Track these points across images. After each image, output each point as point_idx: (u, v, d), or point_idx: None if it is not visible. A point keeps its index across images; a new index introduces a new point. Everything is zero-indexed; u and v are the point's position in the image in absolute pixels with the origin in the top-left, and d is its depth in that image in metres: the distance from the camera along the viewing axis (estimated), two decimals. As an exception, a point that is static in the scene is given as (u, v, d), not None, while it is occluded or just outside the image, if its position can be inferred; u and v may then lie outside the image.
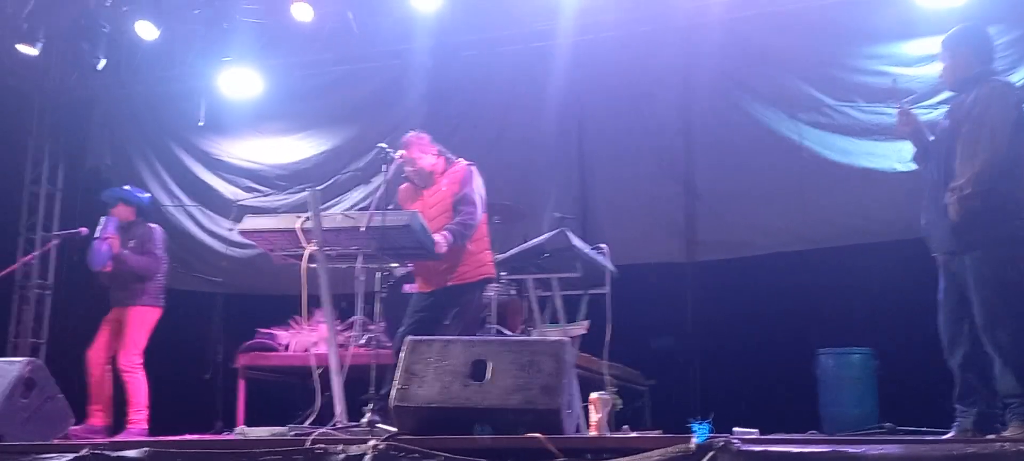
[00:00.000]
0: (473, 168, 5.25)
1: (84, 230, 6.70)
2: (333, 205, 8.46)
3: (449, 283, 5.09)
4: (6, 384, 4.53)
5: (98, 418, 6.43)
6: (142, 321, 6.50)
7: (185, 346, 7.94)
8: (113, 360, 6.49)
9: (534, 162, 8.41)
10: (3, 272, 6.94)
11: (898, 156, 7.07)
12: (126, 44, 9.05)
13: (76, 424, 5.38)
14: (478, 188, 5.17)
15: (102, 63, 8.49)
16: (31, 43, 8.61)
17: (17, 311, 9.70)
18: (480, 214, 5.14)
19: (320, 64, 9.04)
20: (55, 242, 7.79)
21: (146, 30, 8.41)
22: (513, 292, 6.80)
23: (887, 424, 6.10)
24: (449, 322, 5.04)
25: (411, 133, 5.31)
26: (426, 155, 5.23)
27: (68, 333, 9.28)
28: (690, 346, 7.79)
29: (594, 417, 4.25)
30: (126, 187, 6.87)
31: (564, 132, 8.36)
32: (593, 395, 4.29)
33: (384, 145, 4.98)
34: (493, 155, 8.08)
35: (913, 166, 4.82)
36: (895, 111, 4.70)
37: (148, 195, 6.92)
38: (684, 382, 7.65)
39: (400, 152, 5.10)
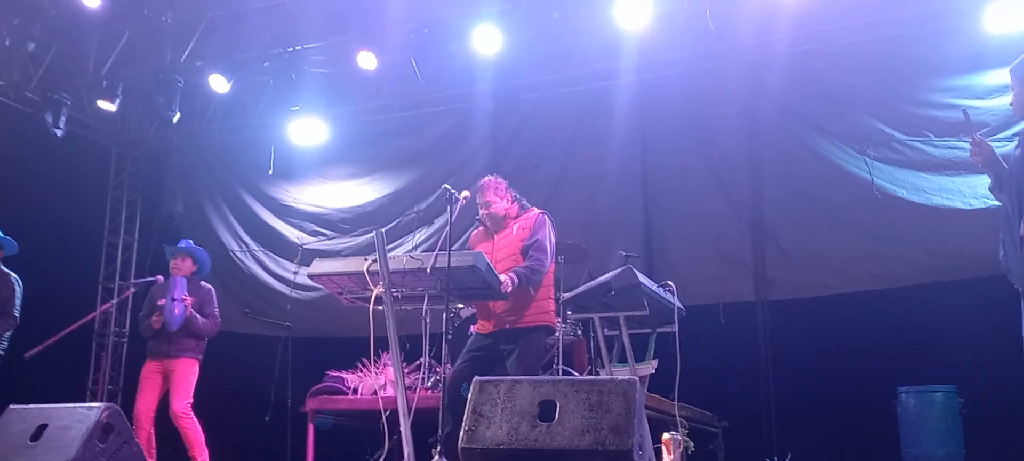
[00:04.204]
0: (546, 216, 5.24)
1: (161, 278, 6.82)
2: (396, 246, 8.57)
3: (506, 325, 5.06)
4: (85, 429, 4.61)
5: None
6: (192, 372, 6.58)
7: (253, 390, 8.04)
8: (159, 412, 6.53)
9: (598, 201, 8.39)
10: (82, 320, 7.08)
11: (972, 192, 6.89)
12: (200, 97, 9.40)
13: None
14: (549, 236, 5.15)
15: (177, 116, 8.75)
16: (110, 99, 8.95)
17: (95, 358, 9.99)
18: (549, 262, 5.11)
19: (384, 110, 9.22)
20: (133, 290, 7.96)
21: (219, 83, 8.67)
22: (579, 332, 6.74)
23: (975, 465, 5.84)
24: (509, 364, 4.99)
25: (487, 177, 5.33)
26: (501, 200, 5.24)
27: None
28: (763, 386, 7.59)
29: (666, 458, 4.16)
30: (189, 242, 6.94)
31: (627, 170, 8.34)
32: (665, 436, 4.20)
33: (448, 186, 4.99)
34: (556, 195, 8.12)
35: (987, 203, 4.65)
36: (968, 144, 4.53)
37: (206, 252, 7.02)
38: (758, 424, 7.46)
39: (464, 193, 5.11)
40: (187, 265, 6.71)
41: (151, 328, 6.55)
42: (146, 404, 6.48)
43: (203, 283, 6.83)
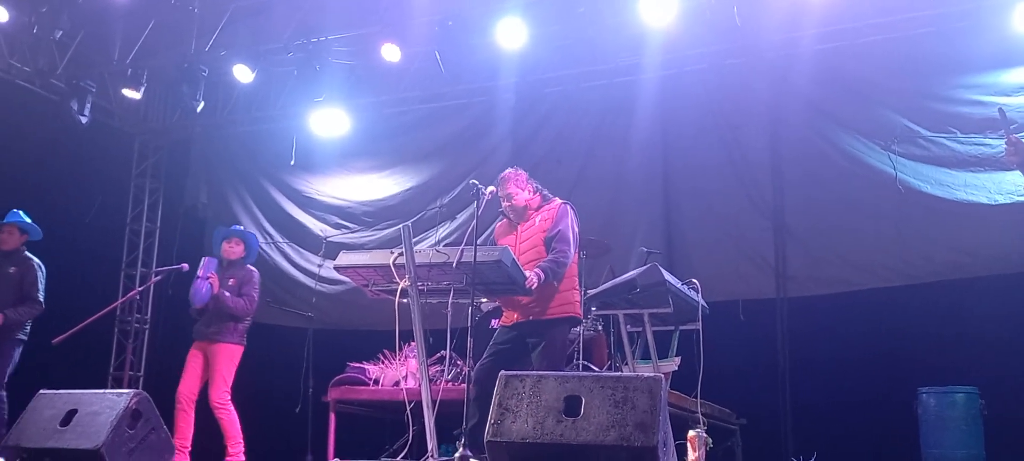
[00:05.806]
0: (568, 206, 5.24)
1: (185, 266, 6.87)
2: (419, 241, 8.55)
3: (531, 318, 5.07)
4: (114, 415, 4.67)
5: (183, 457, 6.52)
6: (230, 358, 6.61)
7: (276, 380, 8.10)
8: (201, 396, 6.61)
9: (619, 197, 8.38)
10: (111, 306, 7.15)
11: (997, 187, 6.85)
12: (223, 86, 9.44)
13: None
14: (572, 226, 5.15)
15: (201, 105, 8.79)
16: (135, 87, 9.01)
17: (116, 345, 10.08)
18: (572, 253, 5.12)
19: (407, 102, 9.24)
20: (157, 278, 8.01)
21: (242, 73, 8.69)
22: (599, 327, 6.75)
23: (995, 468, 5.82)
24: (534, 357, 5.01)
25: (508, 170, 5.34)
26: (522, 191, 5.26)
27: (165, 367, 9.58)
28: (782, 383, 7.58)
29: (691, 456, 4.17)
30: (239, 227, 7.00)
31: (649, 167, 8.32)
32: (690, 433, 4.21)
33: (475, 181, 5.01)
34: (578, 190, 8.11)
35: (1012, 198, 4.62)
36: (996, 141, 4.52)
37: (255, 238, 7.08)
38: (776, 421, 7.46)
39: (490, 188, 5.13)
40: (239, 249, 6.78)
41: (196, 310, 6.63)
42: (188, 386, 6.55)
43: (250, 266, 6.87)
